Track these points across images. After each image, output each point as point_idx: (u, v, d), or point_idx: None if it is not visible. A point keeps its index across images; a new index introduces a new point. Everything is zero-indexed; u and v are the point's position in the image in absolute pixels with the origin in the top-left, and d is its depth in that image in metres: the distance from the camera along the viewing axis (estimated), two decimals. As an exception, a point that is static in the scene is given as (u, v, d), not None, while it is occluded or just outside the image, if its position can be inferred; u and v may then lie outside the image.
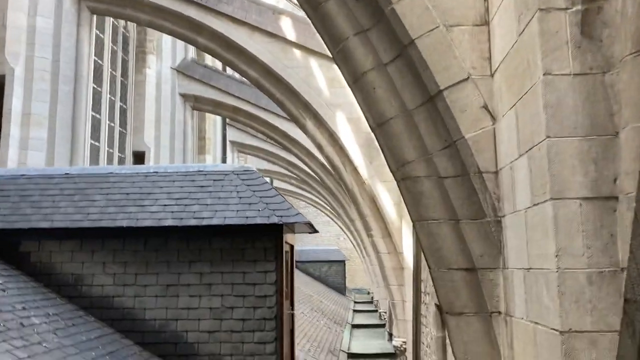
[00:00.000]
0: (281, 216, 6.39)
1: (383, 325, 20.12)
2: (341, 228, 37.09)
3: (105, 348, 5.45)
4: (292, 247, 7.63)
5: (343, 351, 14.39)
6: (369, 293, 36.23)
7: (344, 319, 21.36)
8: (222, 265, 6.35)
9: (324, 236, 47.20)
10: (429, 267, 3.63)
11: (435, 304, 7.42)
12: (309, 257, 35.36)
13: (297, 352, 9.70)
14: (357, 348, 16.15)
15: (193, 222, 6.33)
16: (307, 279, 30.40)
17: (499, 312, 3.29)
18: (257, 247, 6.41)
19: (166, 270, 6.36)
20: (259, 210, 6.42)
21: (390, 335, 17.51)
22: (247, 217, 6.35)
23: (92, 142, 14.06)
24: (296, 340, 11.25)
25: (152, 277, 6.33)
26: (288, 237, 7.14)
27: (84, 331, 5.58)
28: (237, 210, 6.44)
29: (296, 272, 27.54)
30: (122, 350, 5.73)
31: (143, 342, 6.14)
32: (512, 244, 3.06)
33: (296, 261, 33.38)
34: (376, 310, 24.21)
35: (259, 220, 6.29)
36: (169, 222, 6.34)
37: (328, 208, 33.25)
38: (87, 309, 6.20)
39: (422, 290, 9.01)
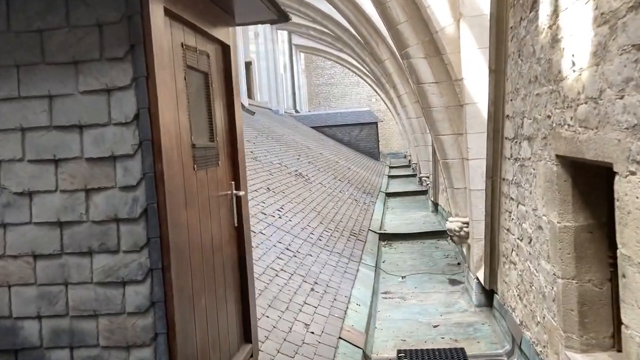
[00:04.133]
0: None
1: (424, 192, 16.37)
2: (373, 89, 32.99)
3: None
4: (224, 48, 3.51)
5: (373, 231, 10.71)
6: (405, 156, 32.87)
7: (377, 188, 17.66)
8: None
9: (354, 98, 43.06)
10: None
11: (559, 155, 3.33)
12: (337, 121, 31.34)
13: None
14: (392, 225, 12.46)
15: None
16: (333, 143, 26.59)
17: None
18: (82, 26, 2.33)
19: None
20: None
21: (436, 205, 13.76)
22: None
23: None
24: (294, 225, 7.98)
25: None
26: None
27: None
28: None
29: (322, 138, 23.62)
30: None
31: None
32: None
33: (323, 125, 29.54)
34: (414, 175, 20.55)
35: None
36: None
37: (359, 66, 29.04)
38: None
39: (511, 135, 4.87)
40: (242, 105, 20.31)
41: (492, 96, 5.06)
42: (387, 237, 10.89)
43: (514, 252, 5.01)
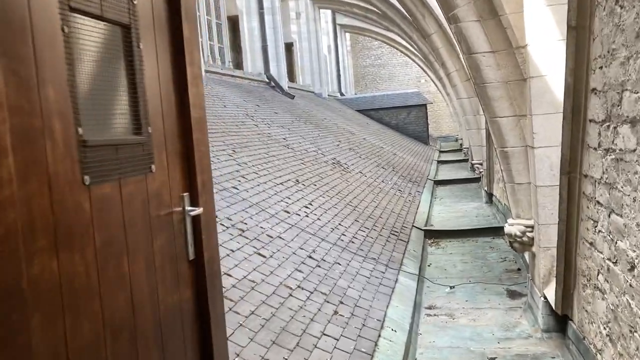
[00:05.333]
0: None
1: (477, 180, 14.87)
2: (422, 69, 31.22)
3: None
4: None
5: (418, 228, 9.41)
6: (457, 140, 31.11)
7: (424, 175, 16.26)
8: None
9: (402, 80, 41.25)
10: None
11: None
12: (384, 104, 29.88)
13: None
14: (440, 219, 11.11)
15: None
16: (379, 127, 25.21)
17: None
18: None
19: None
20: None
21: (490, 196, 12.29)
22: None
23: None
24: (323, 225, 5.83)
25: None
26: None
27: None
28: None
29: (367, 122, 22.42)
30: None
31: None
32: None
33: (368, 109, 28.27)
34: (466, 160, 18.99)
35: None
36: None
37: (407, 45, 27.42)
38: None
39: (599, 116, 3.51)
40: (280, 88, 19.23)
41: (572, 63, 3.71)
42: (434, 234, 9.56)
43: (600, 275, 3.68)
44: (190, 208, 2.32)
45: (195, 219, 2.36)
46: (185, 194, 2.31)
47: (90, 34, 1.79)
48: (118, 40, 1.96)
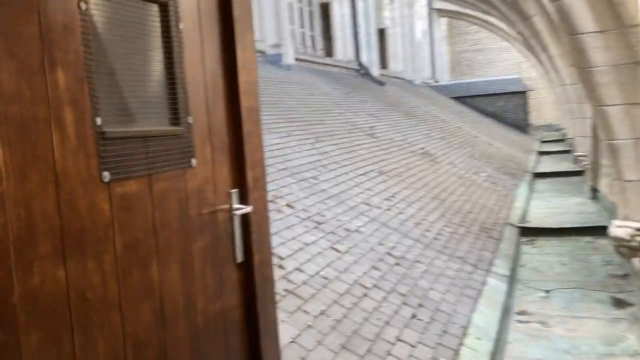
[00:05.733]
0: None
1: (580, 173, 13.76)
2: (523, 54, 29.49)
3: None
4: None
5: (512, 225, 8.77)
6: (559, 129, 29.23)
7: (522, 167, 15.31)
8: None
9: (500, 66, 39.24)
10: None
11: None
12: (480, 90, 28.63)
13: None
14: (538, 215, 10.33)
15: None
16: (475, 116, 24.18)
17: None
18: None
19: None
20: None
21: (595, 191, 11.29)
22: None
23: None
24: (406, 219, 5.45)
25: None
26: None
27: None
28: None
29: (462, 110, 21.59)
30: None
31: None
32: None
33: (464, 96, 27.25)
34: (569, 151, 17.69)
35: None
36: None
37: (506, 30, 26.04)
38: None
39: None
40: (370, 75, 18.85)
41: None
42: (530, 232, 8.87)
43: None
44: (238, 206, 2.10)
45: (245, 218, 2.13)
46: (233, 190, 2.09)
47: (117, 12, 1.59)
48: (153, 20, 1.75)
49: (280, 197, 5.54)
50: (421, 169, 9.56)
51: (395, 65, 25.22)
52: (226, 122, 2.08)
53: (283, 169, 6.29)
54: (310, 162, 6.92)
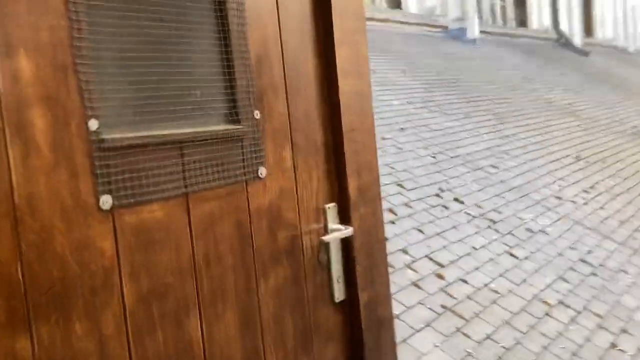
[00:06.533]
0: None
1: None
2: None
3: None
4: None
5: None
6: None
7: None
8: None
9: None
10: None
11: None
12: None
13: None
14: None
15: None
16: None
17: None
18: None
19: None
20: None
21: None
22: None
23: None
24: (608, 216, 4.50)
25: None
26: None
27: None
28: None
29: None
30: None
31: None
32: None
33: None
34: None
35: None
36: None
37: None
38: None
39: None
40: (571, 45, 16.70)
41: None
42: None
43: None
44: (336, 226, 1.56)
45: (346, 242, 1.59)
46: (329, 205, 1.56)
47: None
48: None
49: (449, 190, 4.85)
50: (632, 152, 7.99)
51: (604, 32, 22.14)
52: (318, 114, 1.55)
53: (454, 157, 5.55)
54: (488, 148, 6.07)
